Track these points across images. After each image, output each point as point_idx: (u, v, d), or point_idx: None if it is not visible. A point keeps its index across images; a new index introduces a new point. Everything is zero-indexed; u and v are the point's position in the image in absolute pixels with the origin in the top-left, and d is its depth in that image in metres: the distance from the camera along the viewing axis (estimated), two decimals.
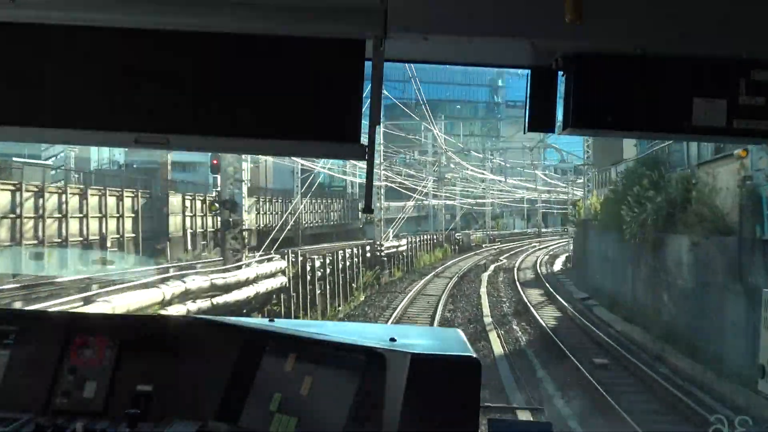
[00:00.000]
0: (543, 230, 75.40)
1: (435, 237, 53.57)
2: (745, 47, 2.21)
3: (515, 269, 41.09)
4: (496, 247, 60.05)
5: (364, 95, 2.20)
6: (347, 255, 32.23)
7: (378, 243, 38.83)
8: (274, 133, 2.23)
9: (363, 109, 2.21)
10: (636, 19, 2.19)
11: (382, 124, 2.20)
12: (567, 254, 47.24)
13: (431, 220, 58.68)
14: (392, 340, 2.47)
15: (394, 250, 40.86)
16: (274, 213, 41.05)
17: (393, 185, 45.95)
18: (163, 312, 15.21)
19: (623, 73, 2.28)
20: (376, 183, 40.13)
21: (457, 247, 56.71)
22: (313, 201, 45.10)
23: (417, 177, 51.01)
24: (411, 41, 2.24)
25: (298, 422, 2.39)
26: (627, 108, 2.31)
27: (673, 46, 2.24)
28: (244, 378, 2.58)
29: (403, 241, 43.18)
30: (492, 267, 42.40)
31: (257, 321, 2.89)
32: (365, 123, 2.22)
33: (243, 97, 2.21)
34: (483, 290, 31.98)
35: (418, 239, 47.24)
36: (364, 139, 2.20)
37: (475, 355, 2.35)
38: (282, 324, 2.84)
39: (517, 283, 34.58)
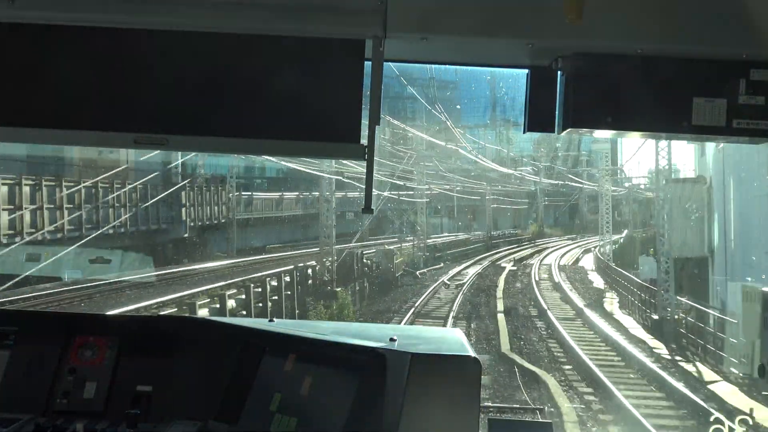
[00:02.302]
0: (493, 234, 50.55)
1: (323, 263, 26.35)
2: (745, 47, 2.21)
3: None
4: (447, 279, 30.99)
5: (363, 95, 2.20)
6: None
7: None
8: (274, 133, 2.23)
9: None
10: (635, 19, 2.19)
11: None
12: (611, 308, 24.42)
13: (323, 223, 28.25)
14: (392, 340, 2.47)
15: None
16: None
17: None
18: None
19: (623, 74, 2.28)
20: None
21: (366, 285, 28.00)
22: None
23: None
24: (410, 41, 2.24)
25: (298, 422, 2.39)
26: (626, 108, 2.31)
27: (673, 46, 2.24)
28: (244, 378, 2.58)
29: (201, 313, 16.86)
30: None
31: (257, 321, 2.89)
32: (365, 123, 2.22)
33: (243, 97, 2.21)
34: None
35: (271, 282, 21.81)
36: (364, 139, 2.21)
37: (475, 355, 2.35)
38: (282, 324, 2.84)
39: None
